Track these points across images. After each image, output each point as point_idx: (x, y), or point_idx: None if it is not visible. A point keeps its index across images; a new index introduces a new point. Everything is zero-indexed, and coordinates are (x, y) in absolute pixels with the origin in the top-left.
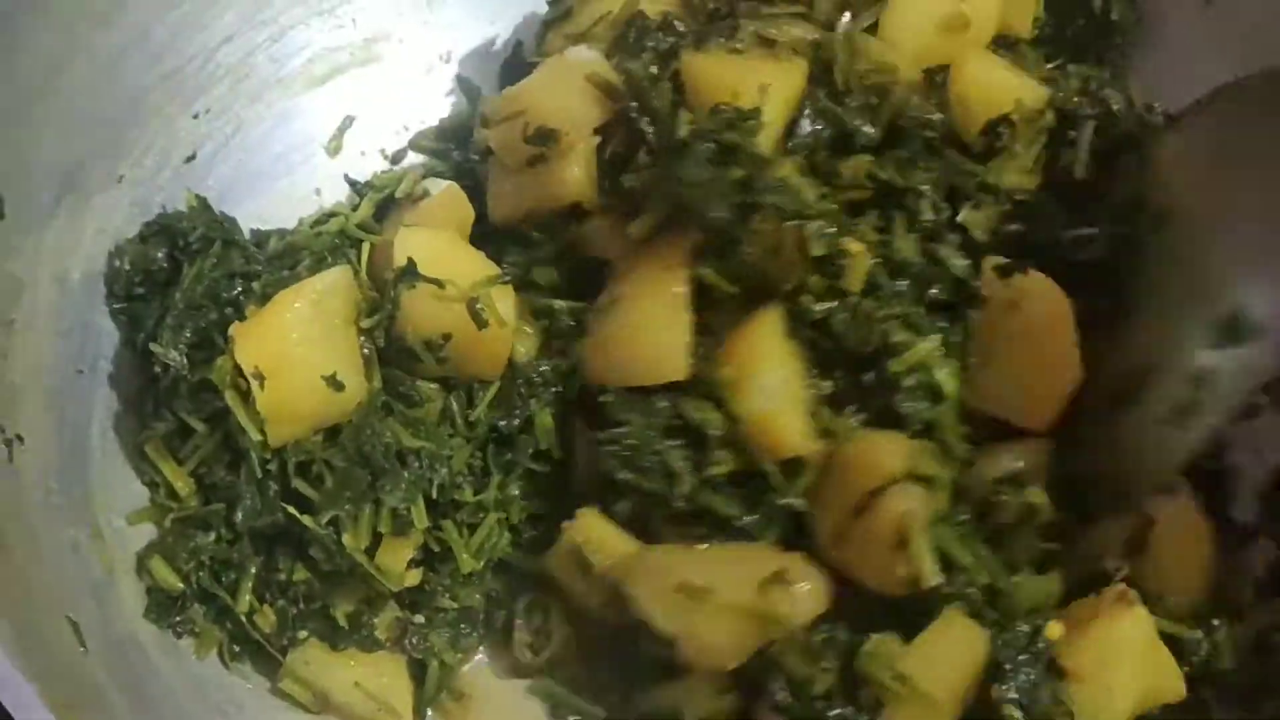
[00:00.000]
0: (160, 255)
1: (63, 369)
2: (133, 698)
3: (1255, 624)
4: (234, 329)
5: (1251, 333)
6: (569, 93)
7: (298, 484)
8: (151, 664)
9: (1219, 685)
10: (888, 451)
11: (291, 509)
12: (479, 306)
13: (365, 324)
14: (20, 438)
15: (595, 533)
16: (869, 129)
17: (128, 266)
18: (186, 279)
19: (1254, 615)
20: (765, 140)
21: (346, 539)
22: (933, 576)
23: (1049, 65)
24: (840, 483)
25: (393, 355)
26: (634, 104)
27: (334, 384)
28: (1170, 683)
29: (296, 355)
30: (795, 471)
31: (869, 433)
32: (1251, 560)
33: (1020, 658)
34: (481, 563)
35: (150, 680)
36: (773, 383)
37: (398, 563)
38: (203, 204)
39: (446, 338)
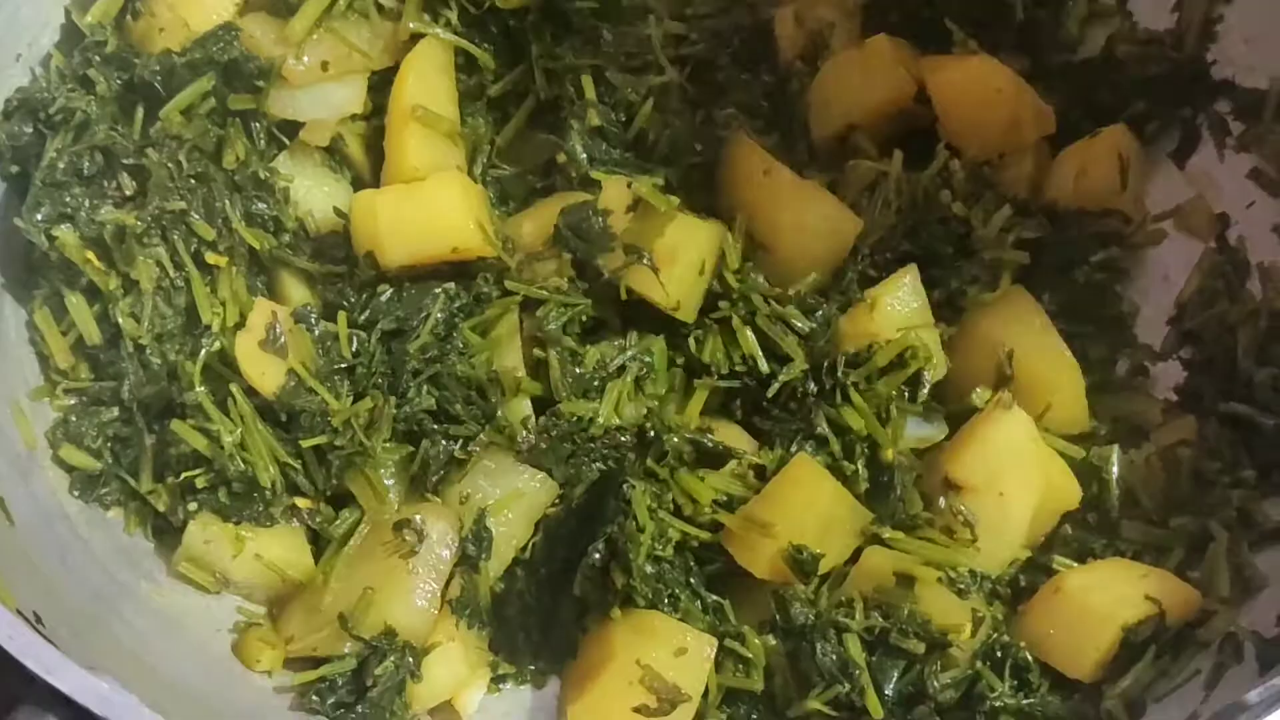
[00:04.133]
0: (27, 130)
1: None
2: (61, 566)
3: (1161, 442)
4: None
5: None
6: None
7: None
8: (80, 536)
9: (1127, 503)
10: None
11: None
12: None
13: None
14: None
15: None
16: None
17: None
18: (48, 153)
19: (1160, 434)
20: None
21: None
22: None
23: None
24: None
25: None
26: None
27: None
28: (1066, 489)
29: None
30: None
31: None
32: (1159, 383)
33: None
34: None
35: (78, 550)
36: None
37: None
38: (59, 74)
39: None
